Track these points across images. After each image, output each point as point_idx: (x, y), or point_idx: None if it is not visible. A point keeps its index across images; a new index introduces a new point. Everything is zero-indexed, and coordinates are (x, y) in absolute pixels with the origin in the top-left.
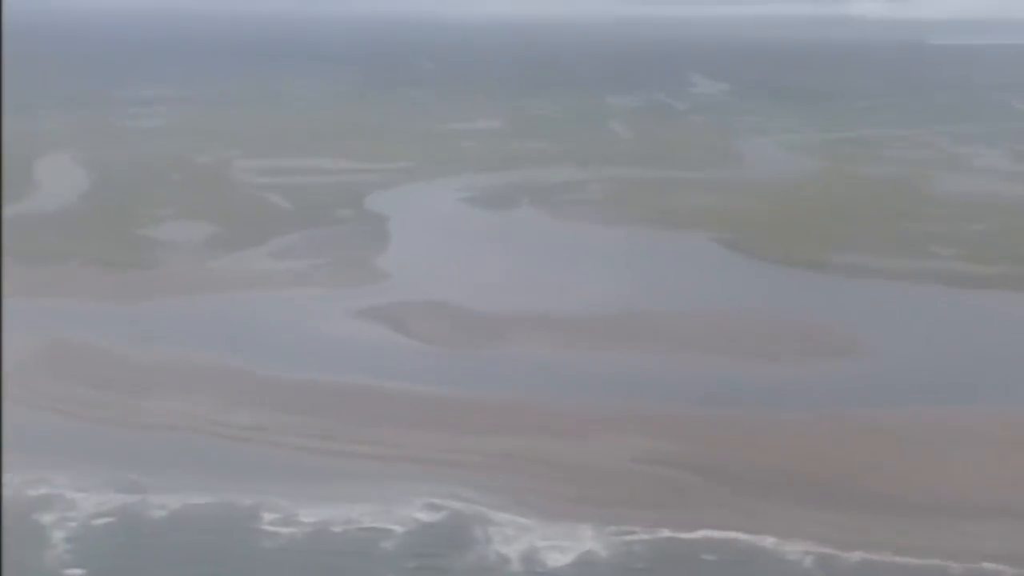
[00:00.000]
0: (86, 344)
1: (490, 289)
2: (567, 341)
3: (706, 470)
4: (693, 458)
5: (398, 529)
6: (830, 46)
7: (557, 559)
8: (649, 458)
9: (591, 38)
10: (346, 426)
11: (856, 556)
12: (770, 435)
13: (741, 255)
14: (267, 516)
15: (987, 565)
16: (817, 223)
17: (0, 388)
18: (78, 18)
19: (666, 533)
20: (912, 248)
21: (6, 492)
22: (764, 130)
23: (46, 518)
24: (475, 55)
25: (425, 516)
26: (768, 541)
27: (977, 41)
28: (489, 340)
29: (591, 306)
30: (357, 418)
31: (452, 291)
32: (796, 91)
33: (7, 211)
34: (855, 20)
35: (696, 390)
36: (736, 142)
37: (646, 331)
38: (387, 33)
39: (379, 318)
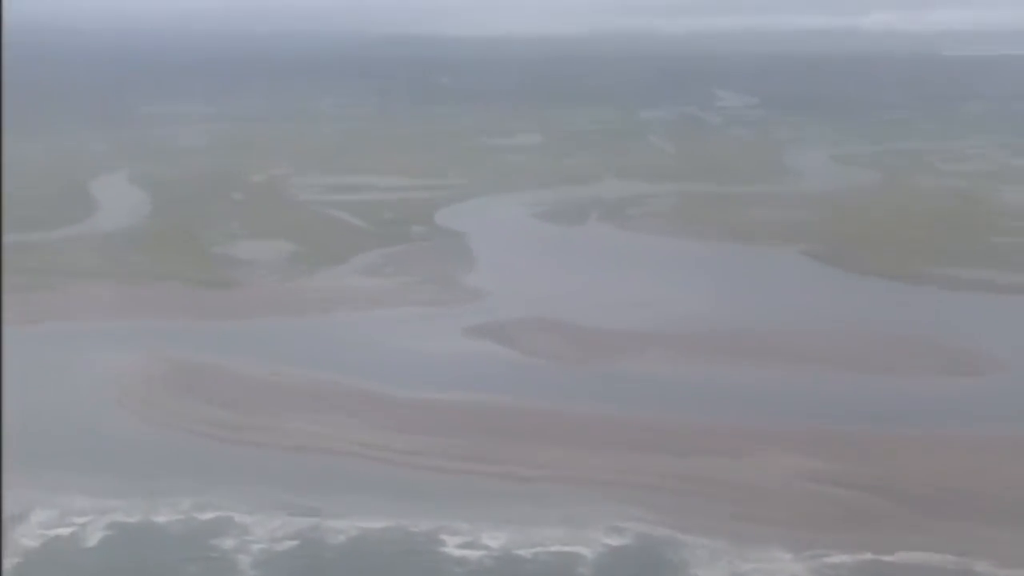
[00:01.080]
0: (210, 365)
1: (594, 305)
2: (689, 357)
3: (874, 488)
4: (856, 476)
5: (587, 553)
6: (844, 58)
7: None
8: (813, 477)
9: (600, 53)
10: (502, 446)
11: None
12: (924, 451)
13: (835, 269)
14: (450, 540)
15: None
16: (902, 236)
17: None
18: (86, 37)
19: (868, 556)
20: (1004, 260)
21: (175, 517)
22: (807, 143)
23: (226, 543)
24: (489, 70)
25: (612, 540)
26: (981, 566)
27: (988, 52)
28: (610, 356)
29: (702, 322)
30: (510, 438)
31: (556, 308)
32: (824, 104)
33: (78, 230)
34: (864, 32)
35: (835, 407)
36: (784, 155)
37: (766, 348)
38: (397, 49)
39: (493, 336)
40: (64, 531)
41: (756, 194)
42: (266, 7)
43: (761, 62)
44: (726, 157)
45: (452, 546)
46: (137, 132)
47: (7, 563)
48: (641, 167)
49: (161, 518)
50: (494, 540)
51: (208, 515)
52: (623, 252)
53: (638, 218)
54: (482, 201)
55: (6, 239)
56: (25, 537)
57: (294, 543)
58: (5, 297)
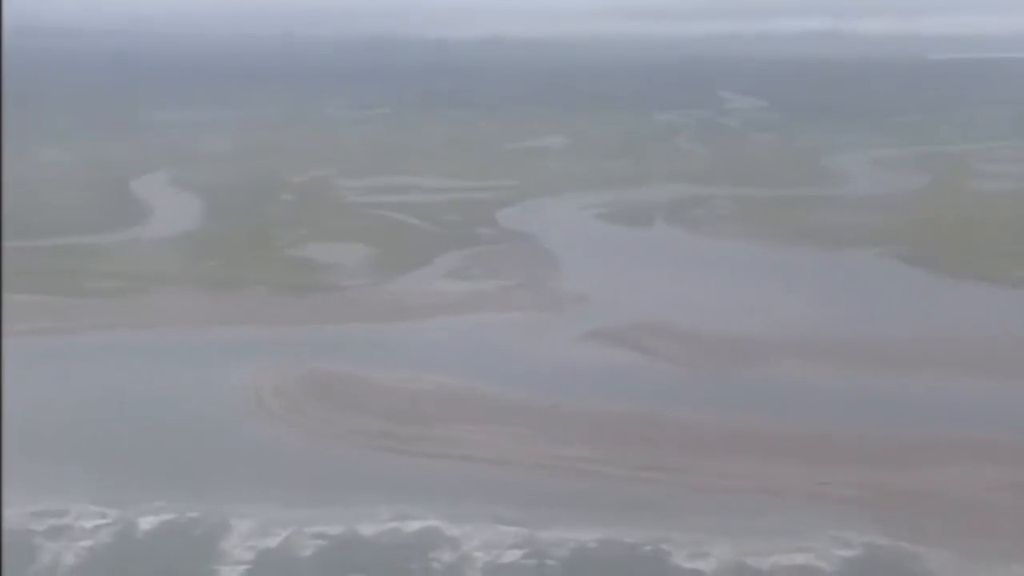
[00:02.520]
0: (340, 373)
1: (703, 311)
2: (823, 363)
3: None
4: None
5: (825, 566)
6: (836, 62)
7: None
8: (1006, 487)
9: (599, 57)
10: (678, 456)
11: None
12: None
13: (926, 271)
14: (675, 552)
15: None
16: (977, 238)
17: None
18: (88, 40)
19: None
20: None
21: (380, 528)
22: (837, 146)
23: (445, 555)
24: (491, 74)
25: (844, 552)
26: None
27: (972, 56)
28: (744, 363)
29: (821, 328)
30: (682, 447)
31: (666, 313)
32: (833, 107)
33: (137, 234)
34: (850, 37)
35: (1001, 414)
36: (820, 158)
37: (899, 353)
38: (396, 53)
39: (615, 341)
40: (271, 542)
41: (812, 197)
42: (256, 10)
43: (757, 66)
44: (762, 160)
45: (680, 558)
46: (160, 137)
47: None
48: (681, 170)
49: (366, 530)
50: (719, 552)
51: (413, 526)
52: (705, 256)
53: (704, 221)
54: (536, 203)
55: (64, 240)
56: (236, 548)
57: (517, 554)
58: (90, 301)
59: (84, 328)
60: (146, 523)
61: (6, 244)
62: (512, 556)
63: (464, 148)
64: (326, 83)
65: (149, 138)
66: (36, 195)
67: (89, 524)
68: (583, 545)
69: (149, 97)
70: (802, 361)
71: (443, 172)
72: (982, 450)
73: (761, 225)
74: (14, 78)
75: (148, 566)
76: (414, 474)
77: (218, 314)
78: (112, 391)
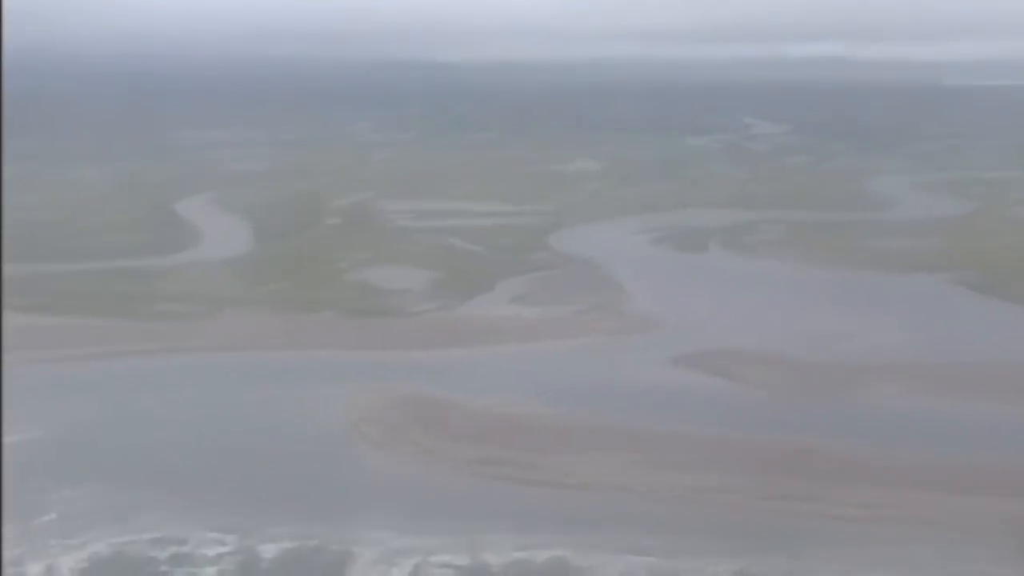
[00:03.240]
0: (431, 398)
1: (783, 337)
2: (922, 391)
3: None
4: None
5: None
6: (849, 87)
7: None
8: None
9: (606, 80)
10: (794, 483)
11: None
12: None
13: (996, 299)
14: None
15: None
16: None
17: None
18: (91, 63)
19: None
20: None
21: (507, 558)
22: (873, 171)
23: None
24: (500, 97)
25: None
26: None
27: (985, 82)
28: (839, 390)
29: (909, 355)
30: (798, 475)
31: (746, 340)
32: (859, 132)
33: (192, 256)
34: (859, 62)
35: None
36: (861, 183)
37: (989, 380)
38: (404, 75)
39: (703, 368)
40: (399, 572)
41: (861, 222)
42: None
43: (773, 90)
44: (802, 185)
45: None
46: (191, 158)
47: None
48: (722, 195)
49: (493, 560)
50: None
51: (541, 557)
52: (769, 281)
53: (759, 246)
54: (586, 228)
55: (118, 264)
56: None
57: None
58: (160, 325)
59: (161, 351)
60: (268, 551)
61: (58, 267)
62: None
63: (497, 172)
64: (341, 105)
65: (181, 159)
66: (79, 217)
67: (211, 552)
68: (717, 574)
69: (172, 119)
70: (897, 387)
71: (483, 196)
72: None
73: (817, 250)
74: (37, 98)
75: None
76: (530, 503)
77: (293, 338)
78: (203, 416)
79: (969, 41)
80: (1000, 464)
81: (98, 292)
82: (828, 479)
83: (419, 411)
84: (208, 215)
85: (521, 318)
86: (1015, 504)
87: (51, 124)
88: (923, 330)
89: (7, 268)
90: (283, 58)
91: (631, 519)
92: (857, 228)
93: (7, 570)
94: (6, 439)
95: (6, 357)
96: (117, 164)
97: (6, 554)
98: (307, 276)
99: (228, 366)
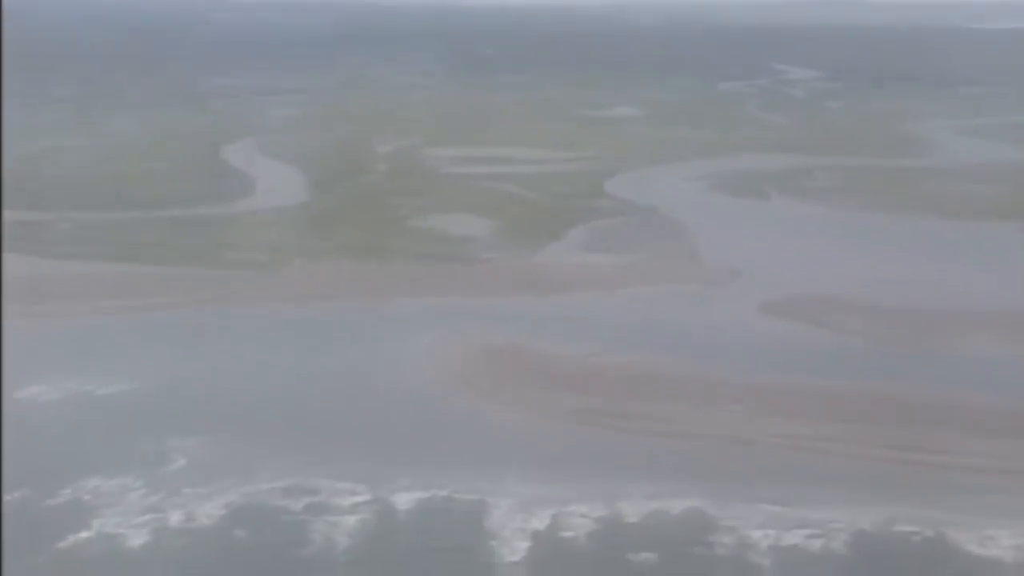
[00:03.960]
0: (522, 347)
1: (866, 284)
2: (1014, 338)
3: None
4: None
5: None
6: (871, 31)
7: None
8: None
9: (622, 22)
10: (906, 433)
11: None
12: None
13: None
14: (961, 538)
15: None
16: None
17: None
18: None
19: None
20: None
21: (644, 509)
22: (916, 116)
23: (724, 538)
24: (528, 41)
25: None
26: None
27: (1004, 25)
28: (934, 338)
29: (993, 301)
30: (907, 424)
31: (830, 287)
32: (893, 77)
33: (253, 204)
34: (875, 5)
35: None
36: (905, 128)
37: None
38: (422, 18)
39: (792, 316)
40: (538, 522)
41: (916, 168)
42: None
43: (797, 33)
44: (847, 130)
45: (968, 543)
46: (222, 105)
47: (513, 554)
48: (770, 140)
49: (628, 510)
50: (1005, 538)
51: (677, 507)
52: (837, 227)
53: (819, 192)
54: (640, 174)
55: (178, 212)
56: (505, 528)
57: (799, 535)
58: (237, 273)
59: (240, 300)
60: (402, 501)
61: (117, 215)
62: (794, 538)
63: (536, 117)
64: (361, 50)
65: (213, 107)
66: (127, 165)
67: (346, 502)
68: (856, 527)
69: (197, 67)
70: (991, 334)
71: (527, 142)
72: None
73: (878, 195)
74: (64, 46)
75: (426, 543)
76: (645, 452)
77: (372, 286)
78: (297, 366)
79: None
80: None
81: (165, 241)
82: (937, 428)
83: (515, 360)
84: (254, 163)
85: (598, 266)
86: None
87: (80, 72)
88: (1009, 277)
89: (65, 215)
90: (294, 5)
91: (751, 468)
92: (912, 174)
93: (147, 515)
94: (103, 389)
95: (84, 305)
96: (150, 112)
97: (144, 500)
98: (369, 224)
99: (311, 315)
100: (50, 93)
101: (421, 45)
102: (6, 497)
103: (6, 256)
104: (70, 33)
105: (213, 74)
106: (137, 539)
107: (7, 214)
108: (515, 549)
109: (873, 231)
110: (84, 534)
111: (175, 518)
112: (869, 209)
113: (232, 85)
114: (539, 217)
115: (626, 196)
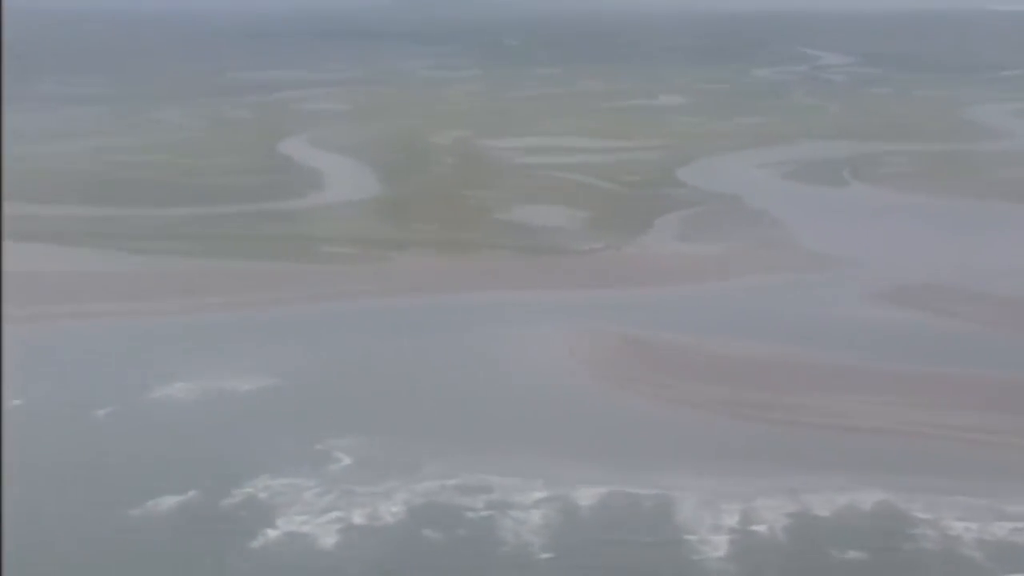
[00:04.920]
0: (646, 338)
1: (970, 271)
2: None
3: None
4: None
5: None
6: (892, 15)
7: None
8: None
9: (629, 13)
10: None
11: None
12: None
13: None
14: None
15: None
16: None
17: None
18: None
19: None
20: None
21: (835, 505)
22: (966, 101)
23: (928, 532)
24: (542, 30)
25: None
26: None
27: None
28: None
29: None
30: None
31: (936, 273)
32: (928, 61)
33: (326, 198)
34: None
35: None
36: (962, 113)
37: None
38: (437, 11)
39: (908, 304)
40: (729, 518)
41: (986, 153)
42: None
43: (811, 18)
44: (905, 116)
45: None
46: (265, 99)
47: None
48: (828, 127)
49: (818, 506)
50: None
51: (866, 503)
52: (924, 213)
53: (896, 178)
54: (708, 163)
55: (253, 207)
56: (697, 524)
57: (1006, 527)
58: (331, 268)
59: (351, 295)
60: (584, 497)
61: (192, 211)
62: (999, 531)
63: (582, 108)
64: (386, 44)
65: (255, 100)
66: (185, 159)
67: (526, 499)
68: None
69: (231, 61)
70: None
71: (581, 132)
72: None
73: (954, 181)
74: (103, 42)
75: (622, 539)
76: (810, 444)
77: (475, 279)
78: (425, 361)
79: None
80: None
81: (249, 236)
82: None
83: (648, 352)
84: (313, 156)
85: (697, 256)
86: None
87: (107, 70)
88: None
89: (141, 211)
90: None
91: (925, 461)
92: (985, 159)
93: (329, 515)
94: (242, 386)
95: (192, 301)
96: (191, 108)
97: (321, 500)
98: (452, 217)
99: (423, 309)
100: (83, 92)
101: (441, 37)
102: (176, 498)
103: (94, 253)
104: (79, 31)
105: (242, 68)
106: (328, 538)
107: (77, 210)
108: (716, 545)
109: (958, 217)
110: (272, 533)
111: (358, 517)
112: (948, 195)
113: (265, 79)
114: (621, 207)
115: (702, 185)
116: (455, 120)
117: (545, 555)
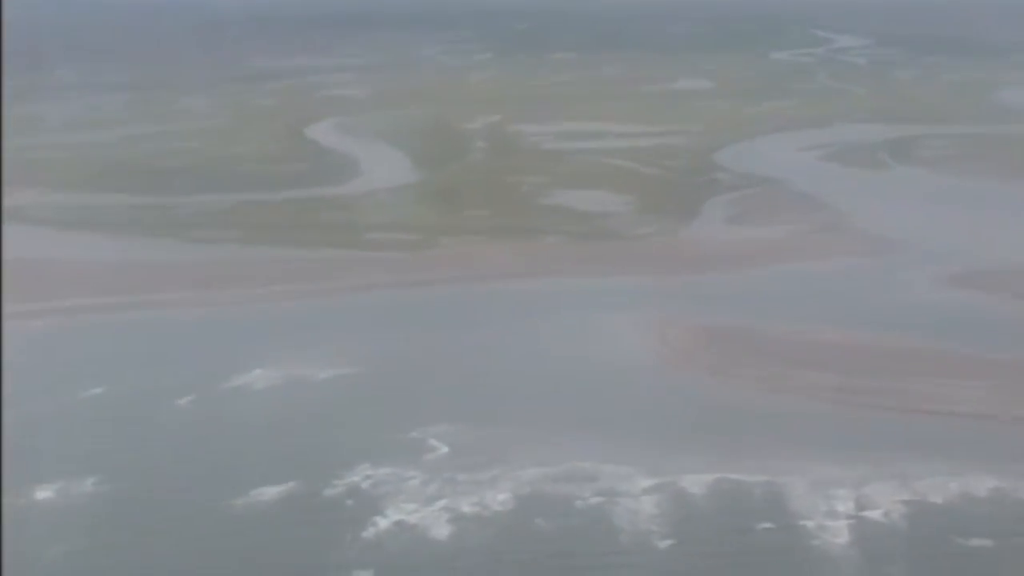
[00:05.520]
0: (726, 325)
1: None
2: None
3: None
4: None
5: None
6: None
7: None
8: None
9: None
10: None
11: None
12: None
13: None
14: None
15: None
16: None
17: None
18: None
19: None
20: None
21: (949, 491)
22: (993, 84)
23: None
24: (556, 17)
25: None
26: None
27: None
28: None
29: None
30: None
31: (1001, 257)
32: (943, 43)
33: (368, 185)
34: None
35: None
36: (990, 96)
37: None
38: None
39: (983, 288)
40: (840, 504)
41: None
42: None
43: (820, 3)
44: (934, 99)
45: None
46: (287, 85)
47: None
48: (858, 110)
49: (931, 493)
50: None
51: (980, 490)
52: (972, 195)
53: (937, 161)
54: (747, 146)
55: (294, 193)
56: (811, 509)
57: None
58: (387, 255)
59: (415, 282)
60: (692, 485)
61: (238, 197)
62: None
63: (606, 93)
64: (396, 30)
65: (278, 87)
66: (219, 146)
67: (633, 487)
68: None
69: (248, 49)
70: None
71: (611, 117)
72: None
73: (997, 164)
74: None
75: (743, 526)
76: (914, 430)
77: (538, 265)
78: (506, 347)
79: None
80: None
81: (304, 223)
82: None
83: (737, 338)
84: (346, 142)
85: (755, 240)
86: None
87: (126, 59)
88: None
89: (186, 198)
90: None
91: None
92: (1022, 141)
93: (437, 504)
94: (321, 374)
95: (260, 290)
96: (215, 95)
97: (426, 489)
98: (499, 202)
99: (492, 295)
100: (105, 81)
101: (450, 24)
102: (277, 488)
103: (152, 243)
104: (81, 19)
105: (256, 55)
106: (439, 528)
107: (124, 199)
108: (835, 531)
109: (1008, 200)
110: (383, 523)
111: (467, 506)
112: (993, 177)
113: (281, 66)
114: (666, 191)
115: (742, 169)
116: (481, 106)
117: (665, 543)
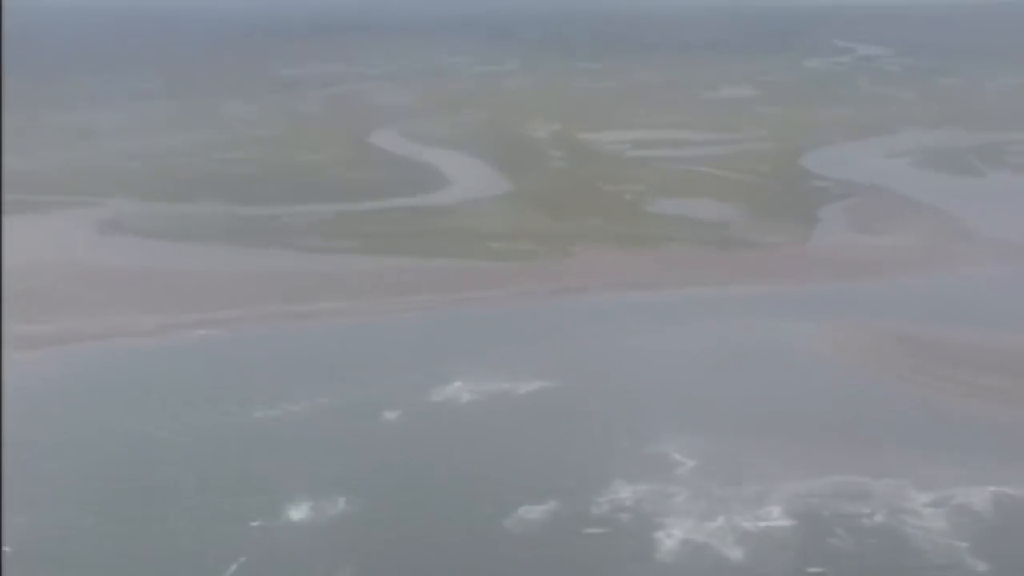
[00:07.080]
0: (903, 331)
1: None
2: None
3: None
4: None
5: None
6: (911, 7)
7: None
8: None
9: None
10: None
11: None
12: None
13: None
14: None
15: None
16: None
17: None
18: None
19: None
20: None
21: None
22: None
23: None
24: (565, 25)
25: None
26: None
27: None
28: None
29: None
30: None
31: None
32: (971, 50)
33: (456, 195)
34: None
35: None
36: None
37: None
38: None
39: None
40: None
41: None
42: None
43: (828, 14)
44: (991, 105)
45: None
46: (326, 93)
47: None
48: (917, 116)
49: None
50: None
51: None
52: None
53: None
54: (828, 153)
55: (391, 203)
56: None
57: None
58: (508, 264)
59: (556, 291)
60: (974, 500)
61: (328, 207)
62: None
63: (654, 100)
64: (410, 38)
65: (319, 95)
66: (286, 157)
67: (911, 503)
68: None
69: (267, 58)
70: None
71: (673, 125)
72: None
73: None
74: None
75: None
76: None
77: (677, 273)
78: (699, 354)
79: None
80: None
81: (415, 231)
82: None
83: (925, 347)
84: (415, 150)
85: (888, 248)
86: None
87: (162, 64)
88: None
89: (283, 208)
90: None
91: None
92: None
93: (714, 522)
94: (520, 388)
95: (400, 300)
96: (259, 100)
97: (694, 505)
98: (605, 211)
99: (651, 303)
100: (138, 88)
101: (463, 32)
102: (540, 507)
103: (268, 253)
104: (94, 28)
105: (282, 63)
106: (728, 548)
107: (222, 207)
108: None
109: None
110: (668, 542)
111: (746, 523)
112: None
113: (310, 74)
114: (771, 199)
115: (837, 175)
116: (534, 113)
117: (981, 565)
